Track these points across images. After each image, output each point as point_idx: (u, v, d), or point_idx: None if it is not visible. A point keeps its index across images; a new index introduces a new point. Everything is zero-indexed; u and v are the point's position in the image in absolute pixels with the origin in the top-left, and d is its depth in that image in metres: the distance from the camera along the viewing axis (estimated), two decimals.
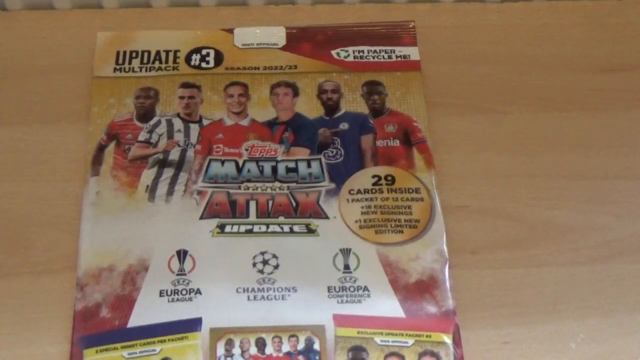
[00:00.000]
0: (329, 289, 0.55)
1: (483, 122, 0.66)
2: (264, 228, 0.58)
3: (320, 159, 0.61)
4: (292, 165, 0.61)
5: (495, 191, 0.62)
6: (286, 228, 0.58)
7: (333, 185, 0.60)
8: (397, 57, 0.67)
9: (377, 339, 0.54)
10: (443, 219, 0.59)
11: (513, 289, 0.58)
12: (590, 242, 0.61)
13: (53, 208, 0.60)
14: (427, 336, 0.54)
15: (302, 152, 0.62)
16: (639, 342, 0.57)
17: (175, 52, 0.67)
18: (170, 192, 0.59)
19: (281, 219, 0.58)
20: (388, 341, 0.53)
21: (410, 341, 0.54)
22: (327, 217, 0.59)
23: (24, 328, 0.55)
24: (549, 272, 0.59)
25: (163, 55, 0.66)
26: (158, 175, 0.60)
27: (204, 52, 0.67)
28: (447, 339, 0.54)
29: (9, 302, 0.56)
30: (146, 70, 0.65)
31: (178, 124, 0.63)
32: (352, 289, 0.56)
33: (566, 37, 0.72)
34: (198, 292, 0.55)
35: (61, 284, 0.56)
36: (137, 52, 0.66)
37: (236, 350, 0.53)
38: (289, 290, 0.55)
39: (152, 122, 0.63)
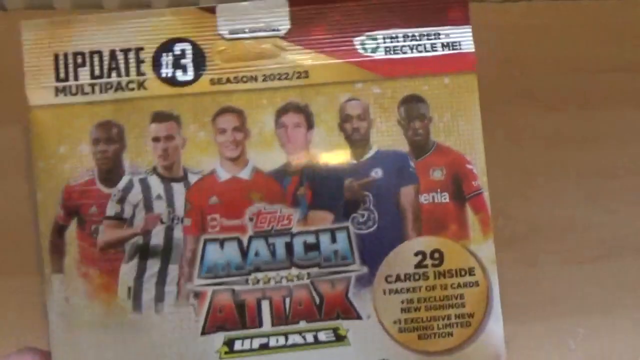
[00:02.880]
0: None
1: (482, 122, 0.54)
2: (282, 340, 0.46)
3: (347, 228, 0.47)
4: (311, 239, 0.46)
5: (495, 191, 0.52)
6: (309, 337, 0.46)
7: (365, 269, 0.47)
8: (443, 46, 0.49)
9: None
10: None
11: (512, 288, 0.56)
12: (590, 241, 0.63)
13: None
14: None
15: (323, 218, 0.47)
16: (638, 341, 0.59)
17: (138, 51, 0.47)
18: (159, 297, 0.45)
19: (302, 324, 0.46)
20: None
21: None
22: (359, 317, 0.46)
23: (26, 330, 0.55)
24: (548, 272, 0.61)
25: (121, 58, 0.47)
26: (141, 272, 0.45)
27: (177, 49, 0.47)
28: None
29: (10, 303, 0.57)
30: (101, 91, 0.47)
31: (156, 185, 0.46)
32: None
33: (566, 37, 0.69)
34: None
35: None
36: (82, 54, 0.47)
37: None
38: None
39: (121, 186, 0.46)
